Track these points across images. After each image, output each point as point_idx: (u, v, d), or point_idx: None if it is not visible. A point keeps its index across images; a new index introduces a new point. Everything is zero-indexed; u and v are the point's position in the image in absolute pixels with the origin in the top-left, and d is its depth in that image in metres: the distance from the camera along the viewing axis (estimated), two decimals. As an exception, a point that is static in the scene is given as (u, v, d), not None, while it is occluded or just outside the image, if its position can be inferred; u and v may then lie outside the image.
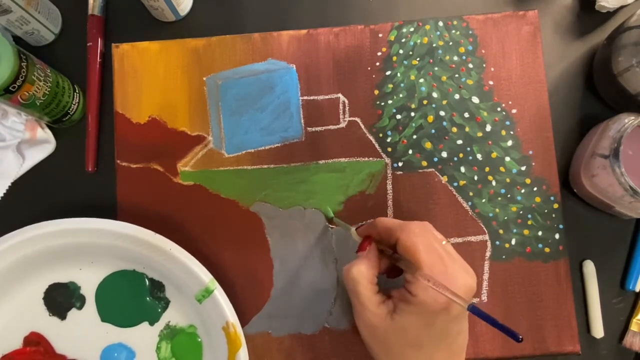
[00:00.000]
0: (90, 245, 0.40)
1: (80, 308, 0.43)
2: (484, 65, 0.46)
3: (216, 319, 0.40)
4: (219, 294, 0.40)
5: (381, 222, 0.38)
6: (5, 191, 0.45)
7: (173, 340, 0.43)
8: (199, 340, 0.42)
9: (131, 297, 0.43)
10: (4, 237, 0.39)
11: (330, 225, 0.44)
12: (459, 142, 0.45)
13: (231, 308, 0.40)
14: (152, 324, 0.43)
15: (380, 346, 0.37)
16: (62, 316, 0.43)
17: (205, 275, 0.40)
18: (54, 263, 0.42)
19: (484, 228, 0.44)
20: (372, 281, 0.37)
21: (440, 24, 0.46)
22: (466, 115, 0.46)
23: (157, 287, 0.43)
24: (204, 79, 0.46)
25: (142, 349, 0.43)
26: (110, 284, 0.43)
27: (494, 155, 0.45)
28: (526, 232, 0.44)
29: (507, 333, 0.29)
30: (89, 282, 0.43)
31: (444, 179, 0.45)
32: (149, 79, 0.46)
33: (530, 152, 0.45)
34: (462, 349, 0.36)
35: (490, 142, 0.45)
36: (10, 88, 0.38)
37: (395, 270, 0.39)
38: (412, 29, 0.46)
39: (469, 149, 0.45)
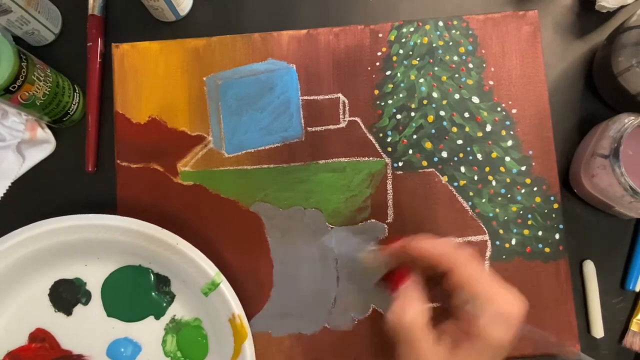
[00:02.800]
0: (96, 241, 0.41)
1: (86, 304, 0.43)
2: (484, 65, 0.46)
3: (222, 311, 0.40)
4: (225, 287, 0.40)
5: (419, 249, 0.33)
6: (5, 191, 0.45)
7: (179, 333, 0.43)
8: (205, 333, 0.43)
9: (137, 292, 0.43)
10: (10, 233, 0.39)
11: (330, 225, 0.44)
12: (459, 142, 0.45)
13: (237, 300, 0.40)
14: (157, 318, 0.43)
15: None
16: (68, 312, 0.43)
17: (211, 269, 0.40)
18: (60, 259, 0.42)
19: (484, 228, 0.44)
20: (427, 322, 0.32)
21: (440, 24, 0.46)
22: (466, 115, 0.46)
23: (162, 281, 0.43)
24: (204, 79, 0.46)
25: (148, 343, 0.43)
26: (116, 280, 0.43)
27: (494, 155, 0.45)
28: (526, 232, 0.44)
29: None
30: (94, 277, 0.43)
31: (444, 179, 0.45)
32: (149, 79, 0.46)
33: (530, 152, 0.45)
34: None
35: (490, 142, 0.45)
36: (10, 88, 0.38)
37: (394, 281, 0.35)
38: (412, 29, 0.46)
39: (469, 149, 0.45)
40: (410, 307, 0.32)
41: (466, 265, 0.32)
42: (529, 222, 0.44)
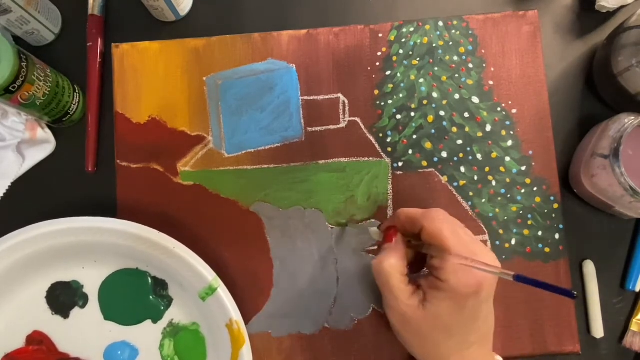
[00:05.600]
0: (94, 244, 0.40)
1: (83, 307, 0.43)
2: (484, 65, 0.46)
3: (219, 316, 0.40)
4: (223, 292, 0.40)
5: (403, 212, 0.38)
6: (5, 191, 0.45)
7: (176, 337, 0.43)
8: (202, 337, 0.43)
9: (134, 296, 0.43)
10: (7, 235, 0.39)
11: (330, 225, 0.44)
12: (459, 142, 0.45)
13: (234, 305, 0.40)
14: (155, 322, 0.43)
15: (414, 335, 0.38)
16: (65, 315, 0.43)
17: (208, 273, 0.40)
18: (57, 262, 0.42)
19: (484, 228, 0.44)
20: (402, 272, 0.38)
21: (440, 24, 0.46)
22: (466, 115, 0.46)
23: (160, 285, 0.43)
24: (204, 79, 0.46)
25: (145, 346, 0.43)
26: (114, 283, 0.43)
27: (494, 155, 0.45)
28: (526, 232, 0.44)
29: (563, 293, 0.30)
30: (92, 280, 0.43)
31: (444, 179, 0.45)
32: (149, 79, 0.46)
33: (530, 152, 0.45)
34: (492, 331, 0.38)
35: (490, 142, 0.45)
36: (10, 88, 0.38)
37: (417, 266, 0.40)
38: (412, 29, 0.46)
39: (469, 149, 0.45)
40: (390, 257, 0.37)
41: (434, 222, 0.36)
42: (529, 222, 0.44)
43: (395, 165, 0.45)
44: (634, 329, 0.44)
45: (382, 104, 0.46)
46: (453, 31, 0.46)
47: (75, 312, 0.43)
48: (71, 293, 0.43)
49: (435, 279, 0.36)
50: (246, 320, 0.43)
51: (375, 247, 0.44)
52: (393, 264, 0.37)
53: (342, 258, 0.44)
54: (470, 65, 0.46)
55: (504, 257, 0.44)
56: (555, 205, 0.44)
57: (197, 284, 0.40)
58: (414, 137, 0.45)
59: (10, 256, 0.40)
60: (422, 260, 0.40)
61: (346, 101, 0.46)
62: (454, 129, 0.45)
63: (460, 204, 0.45)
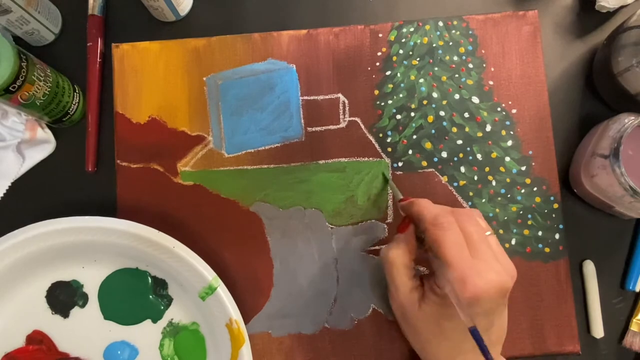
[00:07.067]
0: (94, 244, 0.40)
1: (83, 306, 0.43)
2: (484, 65, 0.46)
3: (219, 316, 0.40)
4: (222, 292, 0.40)
5: (417, 205, 0.37)
6: (5, 191, 0.45)
7: (176, 337, 0.43)
8: (202, 337, 0.43)
9: (134, 295, 0.43)
10: (7, 235, 0.39)
11: (330, 225, 0.44)
12: (459, 142, 0.45)
13: (234, 305, 0.40)
14: (155, 321, 0.43)
15: (410, 329, 0.38)
16: (65, 314, 0.43)
17: (208, 273, 0.40)
18: (57, 261, 0.42)
19: (484, 228, 0.44)
20: (407, 265, 0.38)
21: (440, 24, 0.46)
22: (466, 115, 0.46)
23: (160, 284, 0.43)
24: (204, 79, 0.46)
25: (145, 346, 0.43)
26: (113, 282, 0.43)
27: (494, 155, 0.45)
28: (526, 232, 0.44)
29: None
30: (91, 280, 0.43)
31: (444, 179, 0.45)
32: (149, 79, 0.46)
33: (530, 152, 0.45)
34: (497, 341, 0.36)
35: (490, 142, 0.45)
36: (10, 88, 0.38)
37: None
38: (412, 29, 0.46)
39: (469, 149, 0.45)
40: (397, 247, 0.38)
41: (436, 229, 0.35)
42: (529, 222, 0.44)
43: (395, 165, 0.45)
44: (634, 329, 0.44)
45: (382, 104, 0.46)
46: (453, 31, 0.46)
47: (75, 311, 0.43)
48: (71, 292, 0.43)
49: (433, 283, 0.36)
50: (246, 320, 0.43)
51: (376, 247, 0.44)
52: (399, 254, 0.37)
53: (342, 258, 0.44)
54: (470, 65, 0.46)
55: (504, 257, 0.44)
56: (555, 205, 0.44)
57: (197, 284, 0.40)
58: (414, 137, 0.45)
59: (10, 256, 0.40)
60: None
61: (346, 101, 0.46)
62: (454, 129, 0.45)
63: (460, 204, 0.45)
